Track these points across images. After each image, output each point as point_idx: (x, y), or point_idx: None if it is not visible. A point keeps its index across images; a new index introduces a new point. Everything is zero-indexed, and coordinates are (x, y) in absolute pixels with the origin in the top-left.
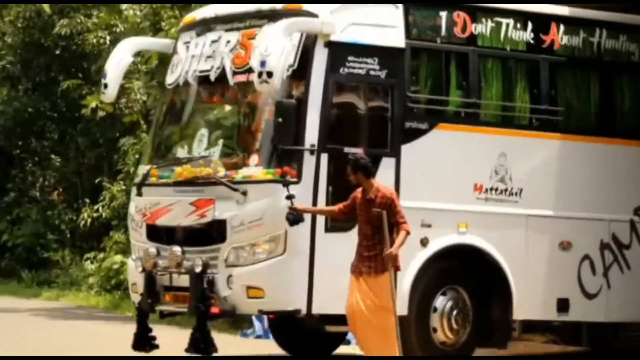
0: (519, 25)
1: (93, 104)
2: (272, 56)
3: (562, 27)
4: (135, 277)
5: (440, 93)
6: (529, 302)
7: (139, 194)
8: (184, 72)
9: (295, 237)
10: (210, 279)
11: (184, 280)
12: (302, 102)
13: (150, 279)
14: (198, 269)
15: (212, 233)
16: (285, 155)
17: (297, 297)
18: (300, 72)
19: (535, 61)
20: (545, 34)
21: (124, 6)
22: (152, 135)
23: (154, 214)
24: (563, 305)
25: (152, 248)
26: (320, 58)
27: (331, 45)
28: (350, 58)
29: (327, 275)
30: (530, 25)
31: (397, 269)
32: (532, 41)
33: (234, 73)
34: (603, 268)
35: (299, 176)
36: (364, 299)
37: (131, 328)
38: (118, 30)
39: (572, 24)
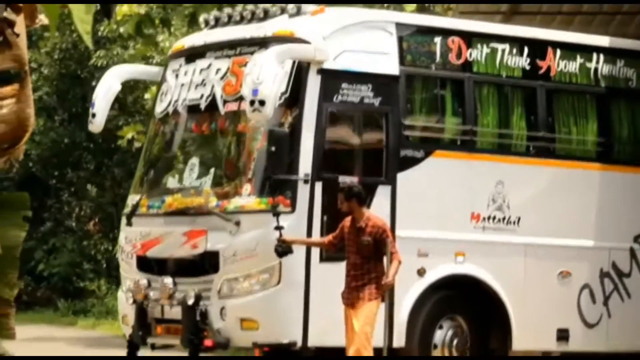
0: (514, 51)
1: (129, 135)
2: (264, 84)
3: (558, 53)
4: (125, 309)
5: (436, 120)
6: (528, 333)
7: (129, 224)
8: (173, 101)
9: (290, 267)
10: (203, 310)
11: (176, 312)
12: (296, 131)
13: (141, 311)
14: (190, 301)
15: (204, 264)
16: (278, 184)
17: (292, 329)
18: (293, 100)
19: (531, 87)
20: (541, 59)
21: (160, 37)
22: (141, 164)
23: (145, 245)
24: (563, 335)
25: (143, 279)
26: (313, 85)
27: (324, 73)
28: (343, 85)
29: (323, 306)
30: (526, 51)
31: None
32: (528, 67)
33: (225, 102)
34: (603, 297)
35: (292, 206)
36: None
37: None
38: (154, 61)
39: (568, 50)
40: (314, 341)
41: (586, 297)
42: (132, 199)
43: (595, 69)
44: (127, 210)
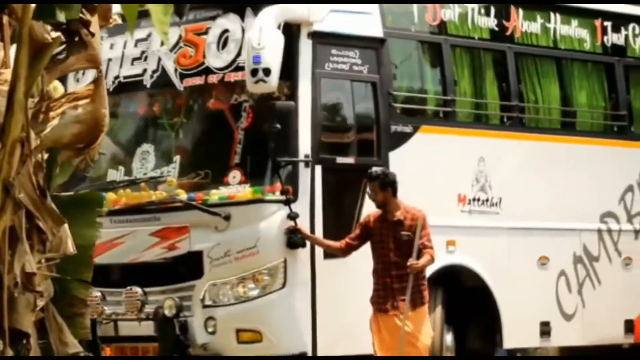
0: (482, 11)
1: None
2: (267, 49)
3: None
4: None
5: (421, 90)
6: (515, 329)
7: None
8: None
9: (295, 266)
10: (182, 323)
11: (139, 328)
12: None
13: (93, 329)
14: (170, 312)
15: (180, 268)
16: (275, 169)
17: (302, 337)
18: (284, 68)
19: (501, 51)
20: (507, 20)
21: None
22: None
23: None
24: (545, 329)
25: (96, 292)
26: (305, 52)
27: (315, 36)
28: (333, 51)
29: (330, 310)
30: (493, 12)
31: None
32: (496, 28)
33: (183, 76)
34: (577, 285)
35: (294, 193)
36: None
37: None
38: None
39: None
40: (323, 350)
41: (563, 286)
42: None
43: (554, 30)
44: None
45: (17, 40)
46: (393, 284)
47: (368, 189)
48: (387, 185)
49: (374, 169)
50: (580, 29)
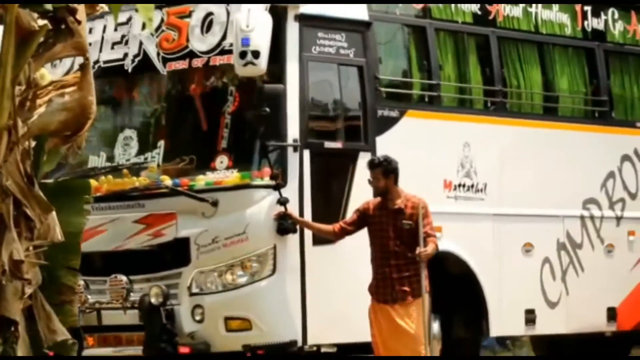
0: None
1: None
2: (256, 32)
3: None
4: None
5: (407, 74)
6: (500, 316)
7: None
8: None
9: (285, 252)
10: (169, 311)
11: (122, 317)
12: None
13: None
14: (157, 300)
15: (166, 256)
16: (264, 153)
17: (292, 325)
18: (272, 52)
19: (484, 35)
20: (489, 3)
21: None
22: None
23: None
24: (530, 317)
25: (79, 280)
26: (292, 35)
27: (301, 19)
28: (320, 34)
29: (319, 298)
30: None
31: None
32: (479, 12)
33: (166, 60)
34: (561, 272)
35: (284, 178)
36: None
37: None
38: None
39: None
40: (313, 339)
41: (547, 273)
42: None
43: (536, 14)
44: None
45: (4, 28)
46: (392, 274)
47: (369, 176)
48: (390, 173)
49: (378, 156)
50: (561, 14)
